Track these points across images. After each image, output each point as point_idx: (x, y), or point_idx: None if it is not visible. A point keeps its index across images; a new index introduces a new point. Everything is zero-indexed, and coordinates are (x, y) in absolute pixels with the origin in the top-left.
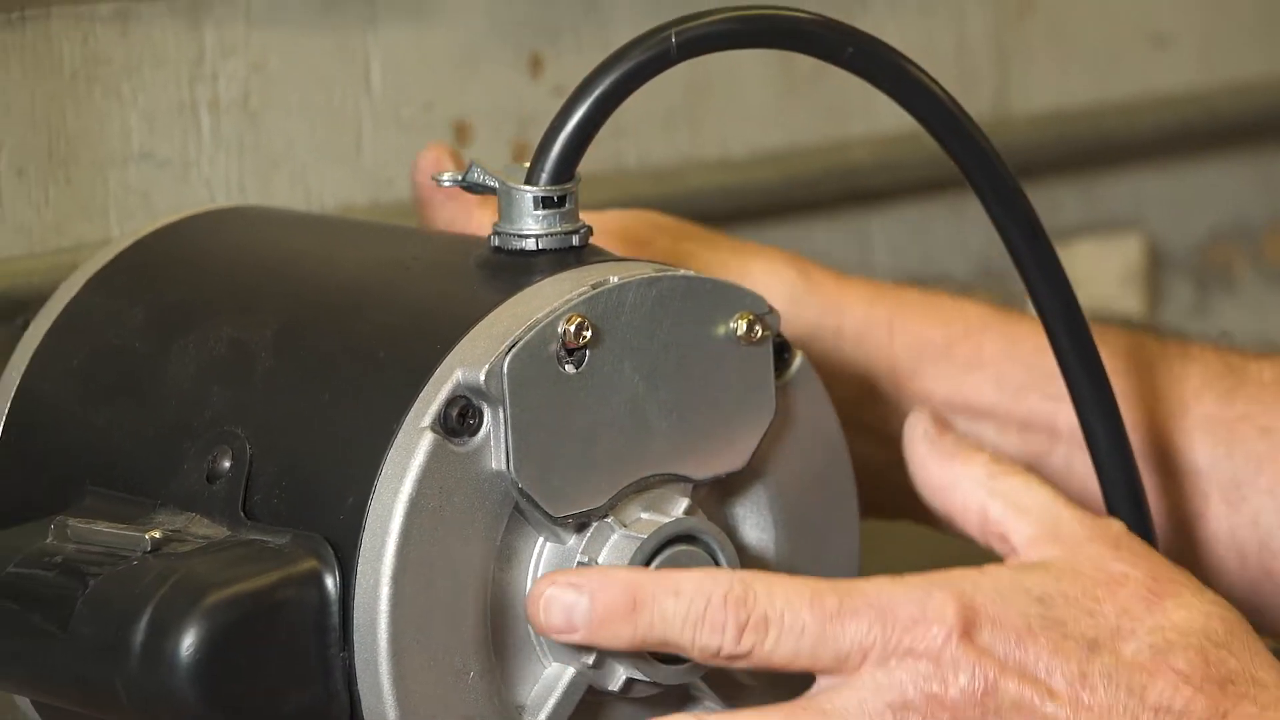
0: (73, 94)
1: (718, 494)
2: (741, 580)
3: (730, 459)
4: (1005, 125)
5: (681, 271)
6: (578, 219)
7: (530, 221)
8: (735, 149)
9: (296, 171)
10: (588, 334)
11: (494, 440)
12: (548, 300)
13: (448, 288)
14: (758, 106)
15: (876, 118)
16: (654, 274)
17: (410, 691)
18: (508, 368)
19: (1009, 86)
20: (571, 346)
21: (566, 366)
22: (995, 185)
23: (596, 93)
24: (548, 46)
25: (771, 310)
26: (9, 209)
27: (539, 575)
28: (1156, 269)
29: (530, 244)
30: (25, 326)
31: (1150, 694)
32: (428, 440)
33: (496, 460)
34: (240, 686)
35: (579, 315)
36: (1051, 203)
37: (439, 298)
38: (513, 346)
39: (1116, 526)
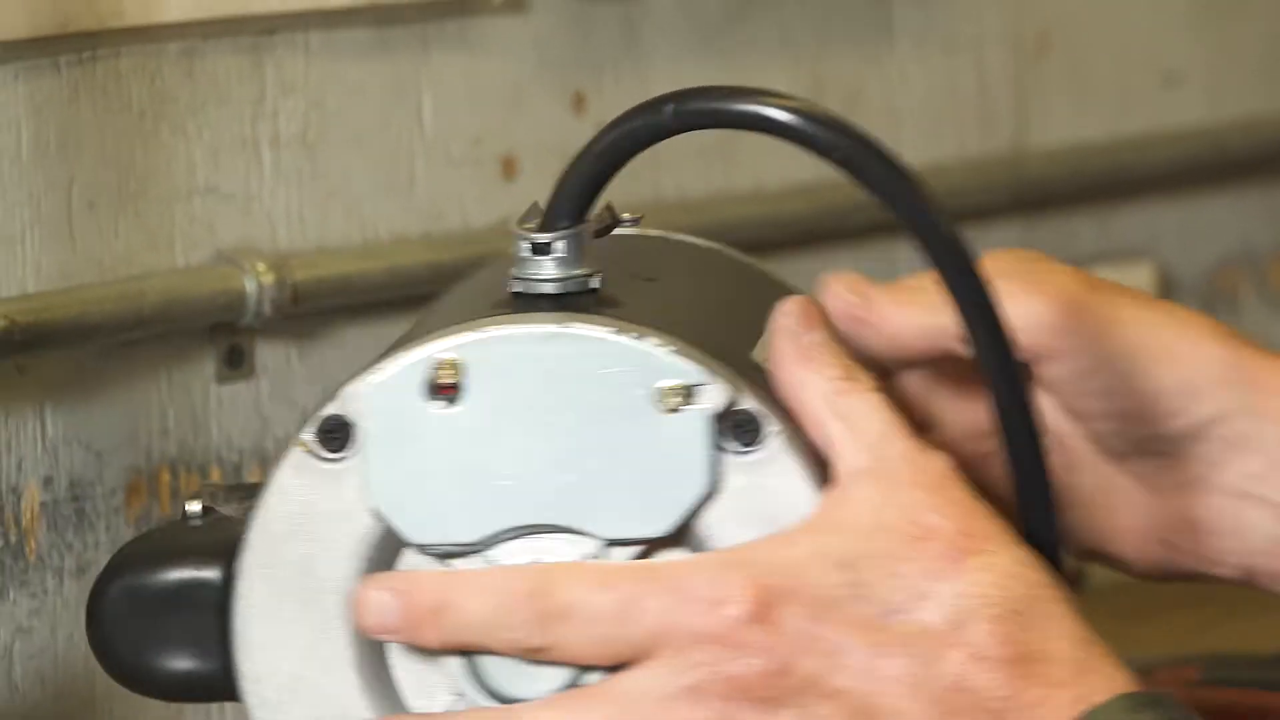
0: (141, 131)
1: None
2: (542, 572)
3: (649, 524)
4: (1024, 160)
5: (594, 333)
6: (571, 267)
7: (521, 266)
8: (768, 182)
9: (352, 204)
10: (458, 377)
11: (361, 462)
12: (443, 339)
13: (435, 321)
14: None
15: (903, 153)
16: (556, 329)
17: (262, 681)
18: (369, 397)
19: (1028, 123)
20: (441, 385)
21: (436, 404)
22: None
23: (595, 150)
24: (590, 85)
25: (710, 382)
26: (81, 240)
27: None
28: (1167, 294)
29: (516, 287)
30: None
31: (944, 668)
32: (294, 452)
33: (361, 481)
34: (139, 648)
35: (452, 357)
36: (1069, 232)
37: (416, 326)
38: (378, 378)
39: (940, 464)
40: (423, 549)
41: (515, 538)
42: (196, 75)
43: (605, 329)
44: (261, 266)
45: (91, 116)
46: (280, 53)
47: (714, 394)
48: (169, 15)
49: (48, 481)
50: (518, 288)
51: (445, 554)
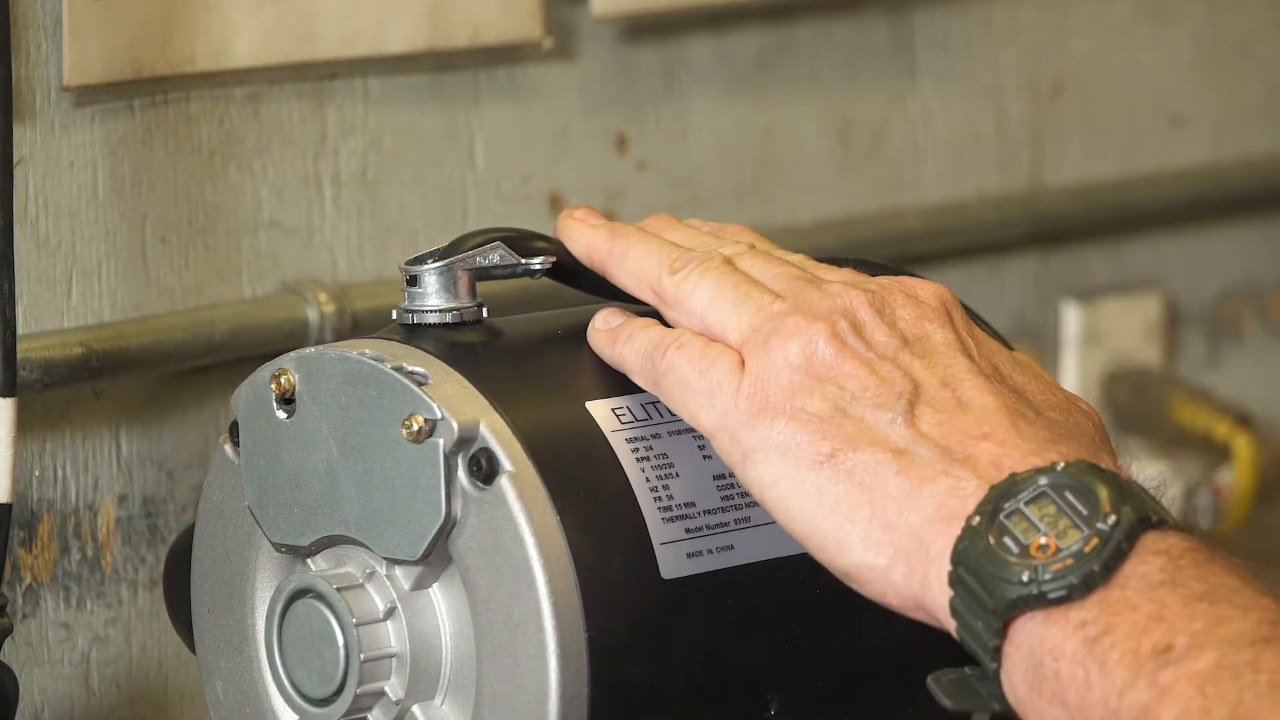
0: (210, 169)
1: (441, 575)
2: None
3: (406, 548)
4: (1040, 196)
5: (381, 363)
6: (429, 300)
7: (408, 298)
8: (800, 217)
9: (409, 238)
10: (288, 386)
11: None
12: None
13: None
14: (819, 179)
15: (925, 189)
16: (351, 353)
17: (204, 652)
18: (237, 399)
19: (1043, 161)
20: (281, 395)
21: (281, 411)
22: None
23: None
24: (632, 126)
25: (444, 418)
26: (154, 272)
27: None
28: (1174, 324)
29: (402, 318)
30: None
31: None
32: (222, 448)
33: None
34: (177, 600)
35: (285, 368)
36: (1082, 264)
37: None
38: (250, 381)
39: None
40: (275, 547)
41: (333, 545)
42: (262, 117)
43: (372, 358)
44: (323, 297)
45: (163, 156)
46: (341, 96)
47: (451, 430)
48: (237, 61)
49: (122, 499)
50: (404, 318)
51: (291, 553)
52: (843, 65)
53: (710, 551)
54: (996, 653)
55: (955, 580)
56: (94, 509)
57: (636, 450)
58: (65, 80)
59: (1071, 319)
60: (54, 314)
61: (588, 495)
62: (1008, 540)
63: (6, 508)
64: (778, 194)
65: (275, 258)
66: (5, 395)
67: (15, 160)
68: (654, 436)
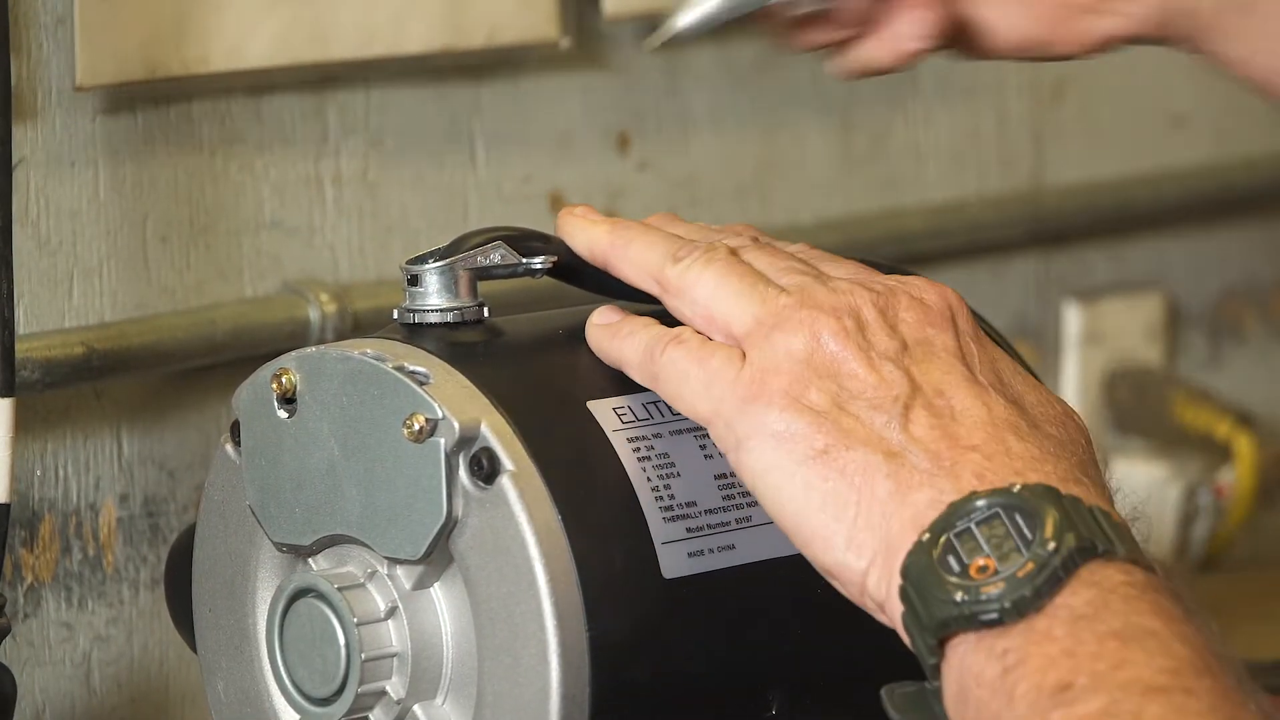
0: (211, 169)
1: (442, 575)
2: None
3: (407, 547)
4: (1041, 196)
5: (383, 363)
6: (430, 299)
7: (410, 298)
8: (802, 217)
9: (410, 238)
10: (289, 386)
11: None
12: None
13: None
14: (821, 179)
15: (926, 190)
16: (352, 353)
17: (205, 652)
18: (239, 398)
19: (1044, 162)
20: (282, 394)
21: (282, 411)
22: None
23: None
24: (634, 126)
25: (445, 418)
26: (155, 272)
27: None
28: (1175, 324)
29: (404, 317)
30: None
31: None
32: (223, 447)
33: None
34: (178, 599)
35: (286, 368)
36: (1083, 264)
37: None
38: (251, 381)
39: None
40: (277, 546)
41: (335, 545)
42: (263, 118)
43: (374, 357)
44: (324, 297)
45: (165, 156)
46: (343, 97)
47: (452, 429)
48: (250, 61)
49: (124, 499)
50: (405, 318)
51: (292, 552)
52: None
53: (711, 551)
54: (936, 671)
55: (903, 594)
56: (95, 509)
57: (638, 450)
58: (78, 81)
59: (1072, 319)
60: (55, 314)
61: (589, 495)
62: (950, 559)
63: (6, 507)
64: (779, 194)
65: (276, 257)
66: (4, 395)
67: (15, 160)
68: (655, 436)
